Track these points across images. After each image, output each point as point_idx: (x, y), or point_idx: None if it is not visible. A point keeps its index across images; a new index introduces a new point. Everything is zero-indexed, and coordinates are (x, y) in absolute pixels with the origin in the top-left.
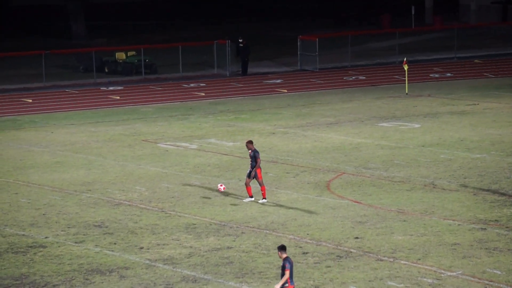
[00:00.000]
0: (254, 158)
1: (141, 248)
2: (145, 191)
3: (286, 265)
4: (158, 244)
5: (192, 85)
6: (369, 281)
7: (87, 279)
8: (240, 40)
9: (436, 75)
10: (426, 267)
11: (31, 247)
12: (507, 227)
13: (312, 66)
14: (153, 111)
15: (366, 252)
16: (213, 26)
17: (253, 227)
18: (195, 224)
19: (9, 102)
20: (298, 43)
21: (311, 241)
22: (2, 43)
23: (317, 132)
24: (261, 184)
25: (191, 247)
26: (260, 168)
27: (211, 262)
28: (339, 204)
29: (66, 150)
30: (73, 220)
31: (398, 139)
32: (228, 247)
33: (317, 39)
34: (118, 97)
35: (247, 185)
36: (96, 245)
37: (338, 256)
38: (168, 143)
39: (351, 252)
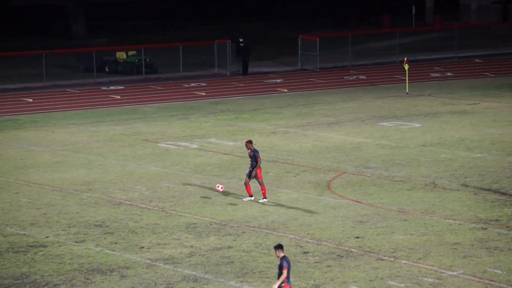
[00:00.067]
0: (254, 157)
1: (142, 247)
2: (146, 190)
3: (284, 264)
4: (159, 244)
5: (192, 84)
6: (370, 280)
7: (87, 279)
8: (241, 40)
9: (437, 75)
10: (427, 266)
11: (31, 246)
12: (507, 227)
13: (313, 65)
14: (154, 111)
15: (367, 251)
16: (213, 26)
17: (253, 227)
18: (195, 224)
19: (10, 102)
20: (299, 43)
21: (311, 241)
22: (2, 43)
23: (317, 132)
24: (261, 184)
25: (191, 246)
26: (260, 168)
27: (212, 261)
28: (340, 204)
29: (66, 150)
30: (74, 220)
31: (399, 138)
32: (228, 247)
33: (317, 39)
34: (119, 97)
35: (246, 184)
36: (97, 245)
37: (338, 255)
38: (168, 142)
39: (351, 251)
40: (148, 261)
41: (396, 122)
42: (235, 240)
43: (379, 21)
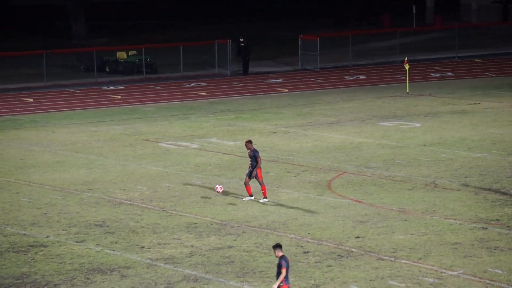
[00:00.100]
0: (254, 157)
1: (142, 247)
2: (146, 190)
3: (283, 263)
4: (159, 244)
5: (193, 84)
6: (370, 280)
7: (88, 278)
8: (241, 40)
9: (437, 75)
10: (427, 266)
11: (32, 246)
12: (508, 227)
13: (313, 65)
14: (154, 111)
15: (367, 251)
16: (213, 26)
17: (254, 227)
18: (196, 224)
19: (10, 102)
20: (299, 43)
21: (312, 241)
22: (2, 43)
23: (318, 132)
24: (261, 183)
25: (192, 246)
26: (260, 168)
27: (212, 261)
28: (340, 204)
29: (67, 150)
30: (74, 220)
31: (399, 138)
32: (229, 247)
33: (318, 39)
34: (119, 97)
35: (246, 184)
36: (97, 245)
37: (339, 255)
38: (169, 142)
39: (352, 251)
40: (148, 261)
41: (396, 122)
42: (235, 240)
43: (379, 21)
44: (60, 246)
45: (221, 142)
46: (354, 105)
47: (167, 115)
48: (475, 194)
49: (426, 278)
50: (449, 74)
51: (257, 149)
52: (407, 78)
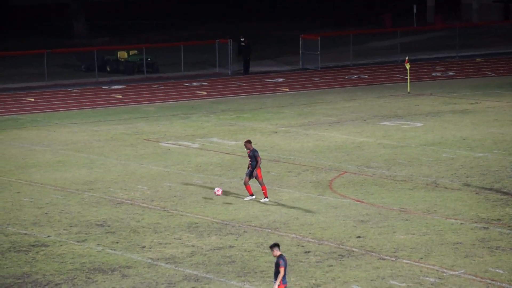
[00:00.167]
0: (254, 157)
1: (143, 247)
2: (147, 190)
3: (281, 262)
4: (160, 243)
5: (194, 84)
6: (371, 280)
7: (89, 278)
8: (242, 39)
9: (438, 74)
10: (428, 266)
11: (33, 246)
12: (509, 226)
13: (314, 65)
14: (155, 110)
15: (368, 251)
16: (213, 25)
17: (255, 226)
18: (197, 223)
19: (11, 101)
20: (300, 42)
21: (313, 240)
22: (3, 43)
23: (319, 131)
24: (261, 184)
25: (193, 246)
26: (260, 168)
27: (213, 261)
28: (341, 203)
29: (68, 149)
30: (75, 219)
31: (400, 138)
32: (230, 246)
33: (319, 38)
34: (120, 96)
35: (246, 184)
36: (98, 244)
37: (340, 255)
38: (170, 142)
39: (353, 251)
40: (149, 260)
41: (397, 122)
42: (236, 240)
43: (379, 21)
44: (61, 245)
45: (222, 141)
46: (355, 105)
47: (168, 115)
48: (476, 193)
49: (427, 278)
50: (450, 73)
51: (256, 149)
52: (408, 77)
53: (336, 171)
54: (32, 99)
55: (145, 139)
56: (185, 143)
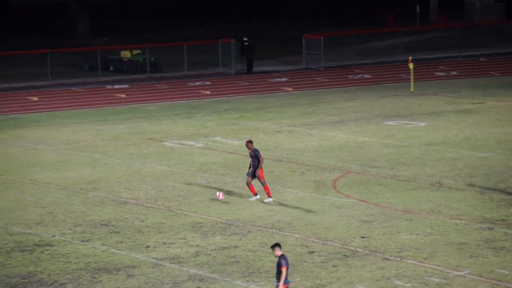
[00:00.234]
0: (256, 157)
1: (148, 247)
2: (151, 189)
3: (282, 262)
4: (165, 243)
5: (197, 83)
6: (376, 280)
7: (94, 278)
8: (245, 39)
9: (441, 74)
10: (433, 266)
11: (38, 245)
12: None
13: (317, 64)
14: (158, 110)
15: (373, 251)
16: (213, 26)
17: (259, 226)
18: (201, 223)
19: (14, 101)
20: (303, 42)
21: (317, 240)
22: (3, 42)
23: (322, 131)
24: (263, 184)
25: (197, 246)
26: (262, 168)
27: (218, 261)
28: (345, 203)
29: (71, 149)
30: (80, 219)
31: (403, 137)
32: (234, 246)
33: (322, 38)
34: (123, 96)
35: (249, 184)
36: (103, 244)
37: (344, 255)
38: (173, 141)
39: (357, 251)
40: (154, 260)
41: (400, 121)
42: (240, 240)
43: (380, 21)
44: (65, 245)
45: (225, 141)
46: (358, 104)
47: (171, 114)
48: (481, 194)
49: (432, 278)
50: (453, 73)
51: (259, 149)
52: (411, 77)
53: (340, 171)
54: (36, 98)
55: (149, 138)
56: (189, 142)
